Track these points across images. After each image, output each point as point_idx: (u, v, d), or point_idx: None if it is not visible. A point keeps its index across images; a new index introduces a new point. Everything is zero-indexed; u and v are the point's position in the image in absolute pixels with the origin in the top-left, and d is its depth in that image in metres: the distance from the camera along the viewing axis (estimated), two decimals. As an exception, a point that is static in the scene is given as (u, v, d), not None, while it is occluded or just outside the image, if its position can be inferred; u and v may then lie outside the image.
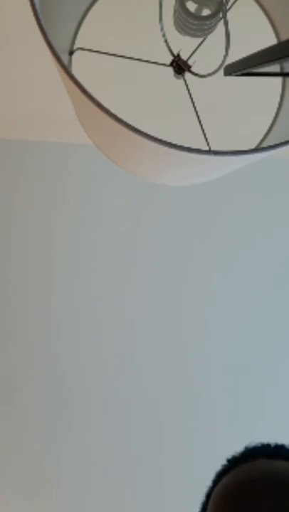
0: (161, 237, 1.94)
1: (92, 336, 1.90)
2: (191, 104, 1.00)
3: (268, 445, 0.58)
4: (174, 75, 1.01)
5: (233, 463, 0.58)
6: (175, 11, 0.98)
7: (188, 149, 0.72)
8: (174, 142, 0.72)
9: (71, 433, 1.88)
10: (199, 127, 1.03)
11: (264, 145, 1.04)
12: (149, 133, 0.72)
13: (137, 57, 1.02)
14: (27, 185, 1.93)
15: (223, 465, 0.59)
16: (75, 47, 1.05)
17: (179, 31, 1.00)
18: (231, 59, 0.90)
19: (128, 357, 1.90)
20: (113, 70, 1.35)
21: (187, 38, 1.00)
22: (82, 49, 1.04)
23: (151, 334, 1.91)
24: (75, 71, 0.90)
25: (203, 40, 1.01)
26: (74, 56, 1.04)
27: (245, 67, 0.79)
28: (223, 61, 0.95)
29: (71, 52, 1.05)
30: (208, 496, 0.58)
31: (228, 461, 0.59)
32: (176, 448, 1.89)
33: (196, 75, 0.97)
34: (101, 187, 1.93)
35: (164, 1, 0.94)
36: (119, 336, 1.90)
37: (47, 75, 1.21)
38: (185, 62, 0.98)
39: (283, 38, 1.05)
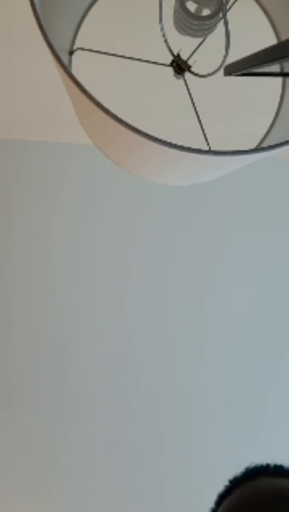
0: (161, 237, 1.94)
1: (93, 336, 1.90)
2: (191, 104, 1.00)
3: (268, 465, 0.61)
4: (174, 75, 1.01)
5: (235, 483, 0.60)
6: (175, 11, 0.98)
7: (189, 149, 0.72)
8: (174, 142, 0.72)
9: (71, 434, 1.88)
10: (199, 127, 1.03)
11: (264, 145, 1.04)
12: (149, 133, 0.72)
13: (137, 57, 1.02)
14: (27, 185, 1.93)
15: (225, 486, 0.61)
16: (75, 47, 1.05)
17: (179, 31, 1.00)
18: (231, 59, 0.90)
19: (129, 357, 1.90)
20: (113, 70, 1.35)
21: (187, 38, 1.00)
22: (82, 49, 1.04)
23: (152, 334, 1.91)
24: (75, 71, 0.90)
25: (203, 40, 1.00)
26: (74, 56, 1.04)
27: (245, 67, 0.79)
28: (223, 61, 0.95)
29: (71, 52, 1.05)
30: None
31: (230, 481, 0.61)
32: (177, 448, 1.89)
33: (196, 75, 0.97)
34: (101, 187, 1.93)
35: (164, 1, 0.94)
36: (119, 336, 1.90)
37: (47, 75, 1.21)
38: (185, 62, 0.98)
39: (283, 38, 1.05)
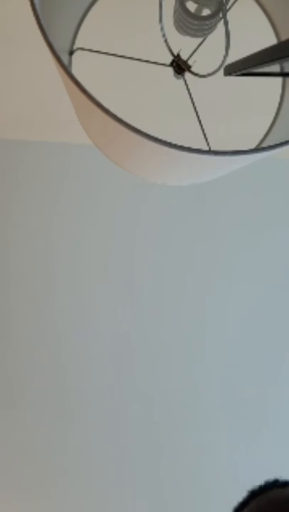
0: (161, 237, 1.94)
1: (92, 336, 1.90)
2: (191, 104, 1.00)
3: (277, 480, 0.65)
4: (174, 75, 1.01)
5: (252, 495, 0.64)
6: (175, 11, 0.98)
7: (189, 149, 0.72)
8: (174, 142, 0.72)
9: (71, 434, 1.88)
10: (199, 127, 1.03)
11: (264, 145, 1.04)
12: (149, 133, 0.72)
13: (137, 57, 1.02)
14: (27, 185, 1.93)
15: (241, 499, 0.65)
16: (75, 47, 1.05)
17: (179, 31, 1.00)
18: (231, 59, 0.90)
19: (128, 357, 1.90)
20: (113, 70, 1.35)
21: (187, 38, 1.00)
22: (82, 49, 1.04)
23: (152, 334, 1.91)
24: (75, 71, 0.90)
25: (203, 40, 1.00)
26: (74, 56, 1.04)
27: (245, 67, 0.79)
28: (223, 61, 0.95)
29: (71, 52, 1.05)
30: None
31: (247, 494, 0.65)
32: (176, 448, 1.89)
33: (196, 75, 0.97)
34: (101, 187, 1.93)
35: (164, 1, 0.94)
36: (119, 336, 1.90)
37: (47, 75, 1.21)
38: (185, 62, 0.98)
39: (283, 38, 1.05)
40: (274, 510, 0.60)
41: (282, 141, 0.79)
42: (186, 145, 0.73)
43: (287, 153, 1.20)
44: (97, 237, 1.93)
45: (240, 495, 0.64)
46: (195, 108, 1.01)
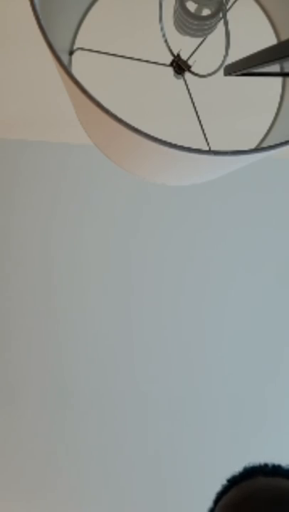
0: (161, 237, 1.94)
1: (92, 336, 1.90)
2: (191, 104, 1.00)
3: (266, 464, 0.62)
4: (174, 75, 1.01)
5: (233, 482, 0.62)
6: (175, 11, 0.98)
7: (189, 149, 0.72)
8: (174, 142, 0.72)
9: (71, 433, 1.88)
10: (199, 127, 1.03)
11: (264, 145, 1.04)
12: (149, 133, 0.72)
13: (137, 57, 1.02)
14: (27, 185, 1.93)
15: (223, 485, 0.63)
16: (75, 47, 1.05)
17: (179, 31, 1.00)
18: (231, 59, 0.90)
19: (127, 356, 1.90)
20: (113, 70, 1.35)
21: (187, 38, 1.00)
22: (82, 49, 1.04)
23: (151, 334, 1.91)
24: (75, 71, 0.90)
25: (203, 40, 1.01)
26: (74, 56, 1.04)
27: (245, 67, 0.79)
28: (223, 61, 0.95)
29: (71, 52, 1.05)
30: None
31: (228, 480, 0.63)
32: (176, 449, 1.89)
33: (196, 75, 0.97)
34: (101, 187, 1.93)
35: (164, 1, 0.94)
36: (118, 336, 1.90)
37: (47, 75, 1.21)
38: (185, 62, 0.98)
39: (283, 38, 1.05)
40: (255, 498, 0.58)
41: (282, 141, 0.79)
42: (186, 145, 0.73)
43: (287, 153, 1.20)
44: (97, 237, 1.93)
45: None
46: (195, 108, 1.01)
